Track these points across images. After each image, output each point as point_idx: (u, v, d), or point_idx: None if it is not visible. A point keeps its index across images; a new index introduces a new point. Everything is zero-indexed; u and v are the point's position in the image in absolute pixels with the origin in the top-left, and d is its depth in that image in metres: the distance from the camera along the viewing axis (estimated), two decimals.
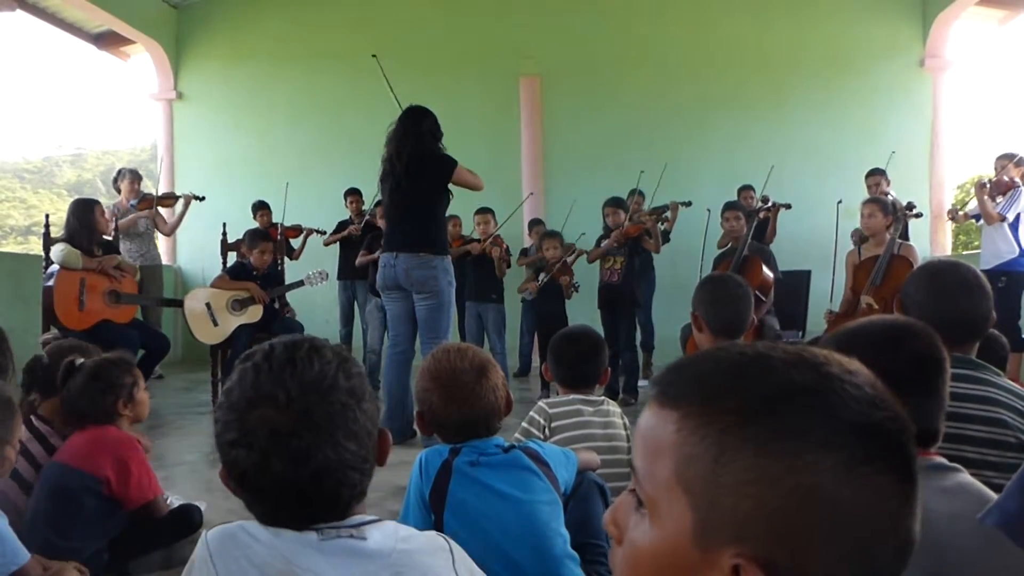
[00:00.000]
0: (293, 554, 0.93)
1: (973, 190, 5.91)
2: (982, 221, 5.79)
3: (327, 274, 5.91)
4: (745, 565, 0.52)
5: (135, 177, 6.99)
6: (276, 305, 5.58)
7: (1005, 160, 5.71)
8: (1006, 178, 5.61)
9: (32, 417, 2.41)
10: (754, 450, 0.53)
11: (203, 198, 6.97)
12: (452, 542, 1.06)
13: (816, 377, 0.55)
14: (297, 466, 0.94)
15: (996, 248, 5.56)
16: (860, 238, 5.94)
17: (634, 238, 5.65)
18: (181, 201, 6.98)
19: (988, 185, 5.64)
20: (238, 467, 0.96)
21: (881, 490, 0.53)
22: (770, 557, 0.52)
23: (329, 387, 0.98)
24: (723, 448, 0.54)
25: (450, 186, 4.14)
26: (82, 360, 2.36)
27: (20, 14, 7.68)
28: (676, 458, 0.56)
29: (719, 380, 0.57)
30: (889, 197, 5.90)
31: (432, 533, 1.09)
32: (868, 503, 0.52)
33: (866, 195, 6.03)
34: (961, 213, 6.32)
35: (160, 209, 7.00)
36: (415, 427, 3.92)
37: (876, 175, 6.55)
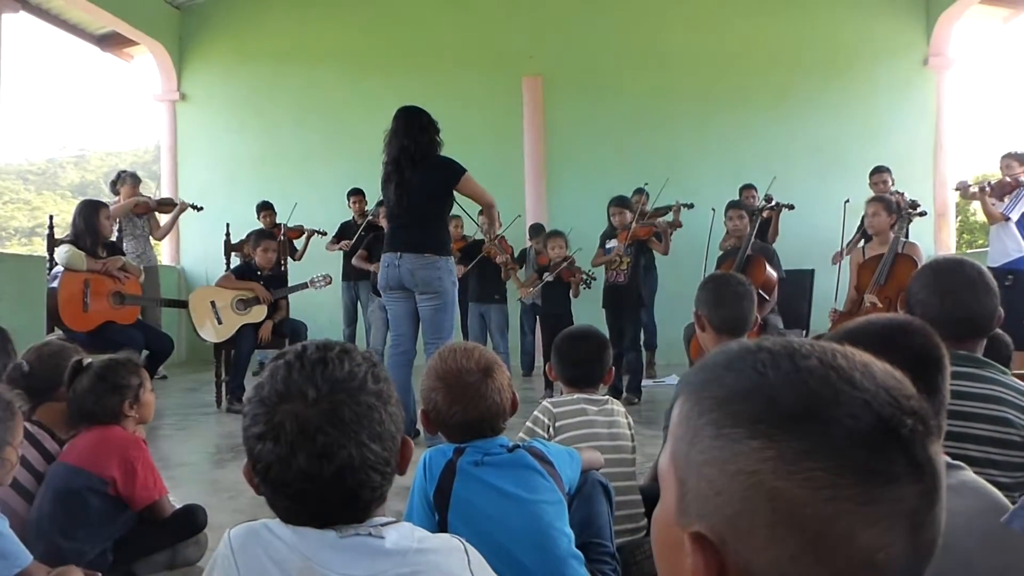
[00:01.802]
0: (313, 552, 0.95)
1: (976, 191, 5.87)
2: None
3: (331, 278, 5.93)
4: (698, 538, 0.55)
5: (135, 181, 6.94)
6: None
7: (1011, 159, 5.68)
8: (1008, 178, 5.59)
9: (26, 423, 2.40)
10: (713, 433, 0.55)
11: (201, 208, 6.95)
12: (467, 544, 1.07)
13: (789, 371, 0.55)
14: (321, 462, 0.96)
15: (1004, 246, 5.54)
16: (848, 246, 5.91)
17: (642, 240, 5.65)
18: (177, 208, 6.97)
19: (989, 187, 5.62)
20: (263, 461, 0.98)
21: (830, 488, 0.50)
22: (722, 538, 0.54)
23: (358, 387, 1.00)
24: (695, 431, 0.57)
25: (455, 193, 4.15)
26: (89, 360, 2.37)
27: (23, 15, 7.69)
28: (672, 440, 0.60)
29: (710, 371, 0.59)
30: (904, 195, 5.89)
31: (447, 535, 1.10)
32: (814, 500, 0.51)
33: (871, 193, 6.02)
34: (972, 188, 6.26)
35: (157, 214, 7.00)
36: (418, 427, 3.94)
37: (881, 172, 6.51)
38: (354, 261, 6.60)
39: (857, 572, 0.51)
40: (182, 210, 6.90)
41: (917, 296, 1.81)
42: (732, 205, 5.63)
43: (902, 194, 6.06)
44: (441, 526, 1.63)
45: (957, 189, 6.78)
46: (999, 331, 2.49)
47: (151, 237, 7.10)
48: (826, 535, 0.51)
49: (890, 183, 6.43)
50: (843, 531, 0.50)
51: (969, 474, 1.15)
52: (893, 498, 0.51)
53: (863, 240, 5.89)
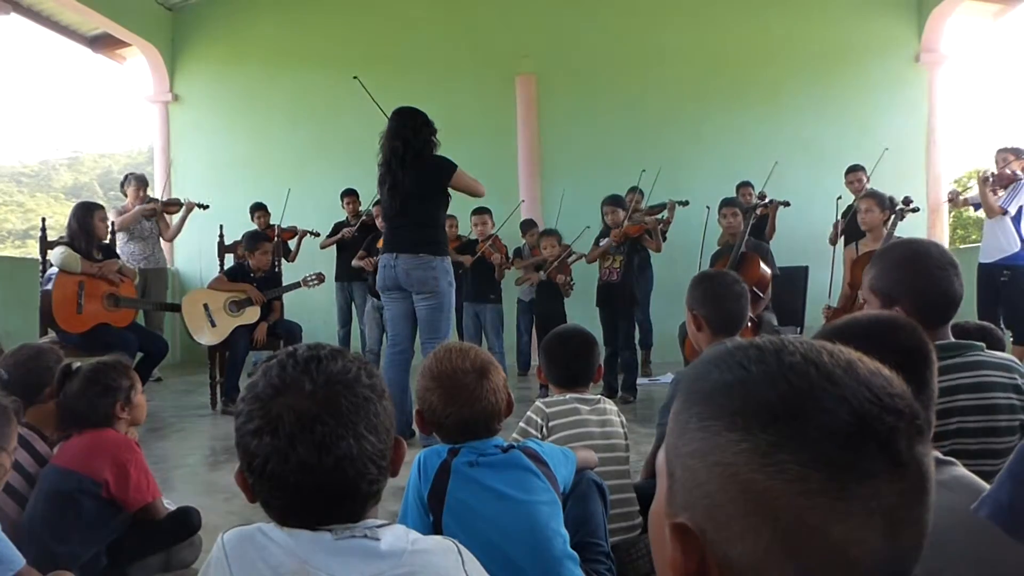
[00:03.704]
0: (308, 555, 0.94)
1: (975, 183, 5.89)
2: (982, 213, 5.77)
3: (324, 276, 5.92)
4: (678, 529, 0.56)
5: (141, 183, 7.02)
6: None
7: (1007, 153, 5.69)
8: (1008, 171, 5.60)
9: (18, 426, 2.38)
10: (697, 425, 0.56)
11: (207, 206, 6.97)
12: (460, 545, 1.07)
13: (771, 365, 0.55)
14: (321, 453, 0.95)
15: (997, 242, 5.55)
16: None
17: (634, 238, 5.65)
18: (184, 208, 7.00)
19: (991, 179, 5.63)
20: (260, 456, 0.97)
21: (802, 482, 0.51)
22: (702, 528, 0.55)
23: (353, 379, 1.00)
24: (683, 424, 0.58)
25: (449, 190, 4.15)
26: (78, 364, 2.36)
27: (15, 17, 7.67)
28: (667, 434, 0.62)
29: (701, 367, 0.60)
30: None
31: (440, 537, 1.10)
32: (786, 492, 0.51)
33: (868, 189, 6.04)
34: (961, 198, 6.30)
35: (165, 215, 7.03)
36: (414, 427, 3.94)
37: (856, 171, 6.62)
38: (354, 263, 6.61)
39: (830, 566, 0.51)
40: (189, 210, 6.93)
41: (890, 278, 1.76)
42: (725, 203, 5.63)
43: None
44: (435, 527, 1.63)
45: (950, 199, 6.84)
46: (991, 325, 2.50)
47: (161, 238, 7.12)
48: (798, 528, 0.51)
49: (865, 181, 6.50)
50: (815, 524, 0.51)
51: (960, 469, 1.15)
52: (868, 494, 0.51)
53: (843, 235, 5.93)
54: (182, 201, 7.04)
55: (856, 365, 0.55)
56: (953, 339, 1.72)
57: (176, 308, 5.61)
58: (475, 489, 1.64)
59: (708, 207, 6.28)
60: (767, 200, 6.50)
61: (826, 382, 0.53)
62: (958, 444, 1.56)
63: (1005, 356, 1.70)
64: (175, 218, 7.15)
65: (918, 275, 1.72)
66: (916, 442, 0.53)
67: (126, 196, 6.98)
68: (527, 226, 6.91)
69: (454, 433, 1.71)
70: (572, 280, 5.67)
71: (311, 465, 0.95)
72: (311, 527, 0.97)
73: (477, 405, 1.69)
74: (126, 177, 7.14)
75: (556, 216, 7.15)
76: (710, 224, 6.18)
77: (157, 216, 6.93)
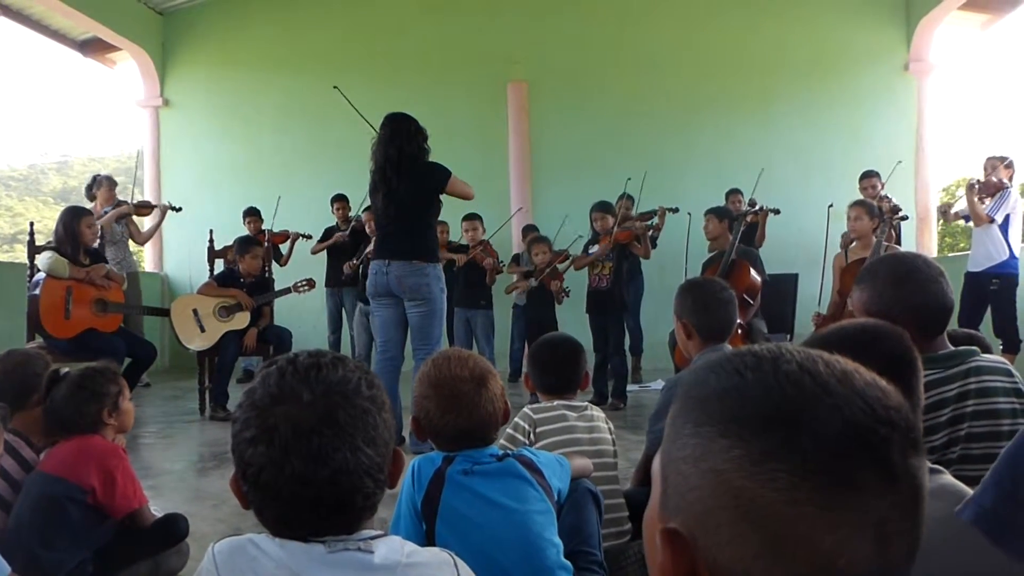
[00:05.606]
0: (300, 567, 0.93)
1: (963, 191, 5.92)
2: (971, 222, 5.81)
3: (314, 282, 5.91)
4: (668, 534, 0.56)
5: (111, 184, 6.81)
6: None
7: (996, 161, 5.72)
8: (995, 179, 5.62)
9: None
10: (691, 431, 0.57)
11: (179, 209, 6.88)
12: (457, 558, 1.05)
13: (766, 373, 0.55)
14: (316, 465, 0.93)
15: (986, 250, 5.57)
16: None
17: (623, 244, 5.66)
18: (157, 210, 6.93)
19: (977, 186, 5.65)
20: (255, 465, 0.95)
21: (792, 490, 0.50)
22: (692, 533, 0.55)
23: (353, 391, 0.98)
24: (678, 429, 0.58)
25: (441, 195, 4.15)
26: (66, 370, 2.34)
27: (4, 21, 7.64)
28: (663, 439, 0.62)
29: (699, 372, 0.60)
30: (891, 199, 5.92)
31: (436, 549, 1.08)
32: (776, 501, 0.51)
33: (858, 197, 6.06)
34: (953, 212, 6.34)
35: (135, 218, 6.91)
36: (404, 434, 3.93)
37: (871, 177, 6.55)
38: (346, 269, 6.59)
39: (819, 575, 0.51)
40: (163, 212, 6.87)
41: (885, 299, 1.75)
42: (707, 212, 5.63)
43: (889, 199, 6.09)
44: (429, 535, 1.61)
45: (942, 213, 6.82)
46: (979, 333, 2.52)
47: (131, 241, 7.01)
48: (786, 536, 0.51)
49: (879, 187, 6.47)
50: (803, 534, 0.50)
51: (947, 478, 1.15)
52: (858, 505, 0.51)
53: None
54: (154, 204, 6.98)
55: (852, 376, 0.55)
56: (951, 347, 1.73)
57: (165, 313, 5.58)
58: (469, 498, 1.62)
59: (690, 214, 6.31)
60: (757, 207, 6.52)
61: (821, 391, 0.53)
62: (966, 449, 1.57)
63: (998, 359, 1.71)
64: (149, 222, 7.06)
65: (914, 292, 1.72)
66: (910, 454, 0.53)
67: (94, 199, 6.76)
68: (527, 231, 6.92)
69: (450, 441, 1.70)
70: (567, 287, 5.67)
71: (306, 477, 0.93)
72: (304, 539, 0.96)
73: (475, 414, 1.67)
74: (94, 179, 6.89)
75: (547, 222, 7.16)
76: (694, 231, 6.19)
77: (127, 219, 6.80)
